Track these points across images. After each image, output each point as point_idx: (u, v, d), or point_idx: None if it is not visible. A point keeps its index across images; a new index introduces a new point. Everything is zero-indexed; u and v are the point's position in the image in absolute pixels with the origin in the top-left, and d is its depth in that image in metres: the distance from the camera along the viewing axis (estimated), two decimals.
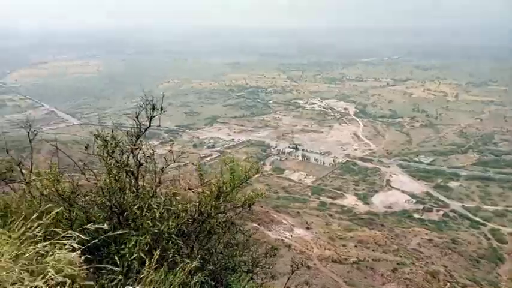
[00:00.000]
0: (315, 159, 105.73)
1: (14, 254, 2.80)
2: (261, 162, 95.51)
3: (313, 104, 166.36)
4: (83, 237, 3.51)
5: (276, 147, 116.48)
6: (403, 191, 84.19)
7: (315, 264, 37.01)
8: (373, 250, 44.09)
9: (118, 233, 3.61)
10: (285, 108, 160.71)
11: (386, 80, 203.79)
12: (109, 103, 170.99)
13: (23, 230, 3.23)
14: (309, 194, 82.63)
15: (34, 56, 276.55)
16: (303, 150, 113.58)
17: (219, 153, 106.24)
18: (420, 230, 55.92)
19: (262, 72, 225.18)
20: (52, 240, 3.12)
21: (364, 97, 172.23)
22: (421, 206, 75.95)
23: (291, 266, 6.02)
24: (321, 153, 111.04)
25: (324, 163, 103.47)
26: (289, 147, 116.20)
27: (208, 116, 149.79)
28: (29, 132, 5.93)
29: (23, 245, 3.07)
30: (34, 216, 3.57)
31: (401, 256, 42.49)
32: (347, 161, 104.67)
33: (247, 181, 4.98)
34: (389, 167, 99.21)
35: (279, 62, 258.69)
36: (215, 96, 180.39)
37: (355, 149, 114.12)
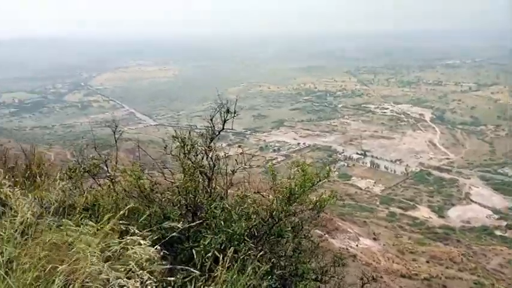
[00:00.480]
0: (385, 167, 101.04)
1: (100, 246, 3.01)
2: (327, 167, 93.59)
3: (385, 108, 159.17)
4: (155, 233, 3.68)
5: (343, 152, 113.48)
6: (484, 205, 77.05)
7: (381, 277, 35.30)
8: (447, 267, 41.00)
9: (197, 222, 3.75)
10: (354, 113, 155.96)
11: (469, 84, 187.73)
12: (182, 106, 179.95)
13: (107, 223, 3.48)
14: (377, 203, 79.20)
15: (118, 61, 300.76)
16: (372, 156, 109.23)
17: (284, 157, 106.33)
18: (502, 248, 50.77)
19: (332, 76, 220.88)
20: (135, 236, 3.31)
21: (443, 102, 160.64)
22: (504, 223, 68.80)
23: (361, 278, 5.78)
24: (391, 160, 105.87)
25: (394, 171, 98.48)
26: (357, 153, 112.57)
27: (275, 119, 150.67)
28: (114, 132, 6.44)
29: (107, 238, 3.30)
30: (115, 210, 3.85)
31: (479, 276, 38.97)
32: (421, 170, 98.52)
33: (318, 184, 4.90)
34: (469, 178, 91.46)
35: (349, 66, 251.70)
36: (282, 100, 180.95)
37: (431, 158, 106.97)
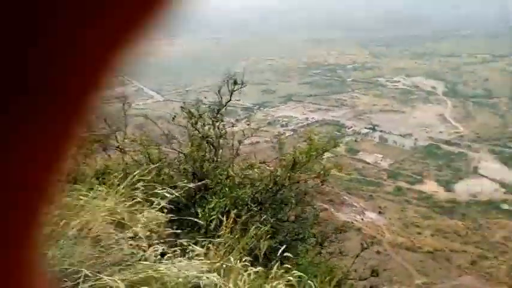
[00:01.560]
0: (394, 141, 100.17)
1: (109, 209, 3.19)
2: (333, 139, 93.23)
3: (396, 82, 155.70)
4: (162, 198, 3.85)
5: (351, 127, 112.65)
6: (492, 179, 76.64)
7: (385, 250, 35.98)
8: (451, 240, 41.52)
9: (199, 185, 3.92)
10: (364, 87, 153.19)
11: (484, 55, 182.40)
12: (190, 81, 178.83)
13: (117, 189, 3.66)
14: (385, 177, 79.04)
15: None
16: (381, 131, 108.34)
17: (292, 132, 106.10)
18: (508, 222, 50.99)
19: (343, 49, 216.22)
20: (142, 198, 3.48)
21: (456, 75, 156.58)
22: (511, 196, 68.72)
23: (361, 244, 5.99)
24: (400, 135, 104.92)
25: (403, 146, 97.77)
26: (365, 127, 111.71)
27: (283, 94, 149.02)
28: (124, 104, 6.61)
29: (117, 203, 3.48)
30: (125, 178, 4.01)
31: (482, 249, 39.43)
32: (430, 144, 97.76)
33: (324, 153, 5.01)
34: (478, 152, 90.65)
35: (361, 37, 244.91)
36: (292, 74, 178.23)
37: (441, 132, 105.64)
